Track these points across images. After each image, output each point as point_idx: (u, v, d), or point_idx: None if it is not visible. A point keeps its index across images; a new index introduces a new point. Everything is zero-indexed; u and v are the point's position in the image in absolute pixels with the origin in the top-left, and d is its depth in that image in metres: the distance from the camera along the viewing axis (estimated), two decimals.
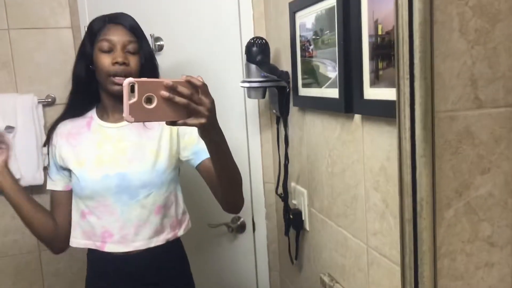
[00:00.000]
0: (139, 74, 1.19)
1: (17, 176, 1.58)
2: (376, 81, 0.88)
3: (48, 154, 1.28)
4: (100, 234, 1.20)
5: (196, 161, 1.20)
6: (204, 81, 0.90)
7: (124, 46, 1.17)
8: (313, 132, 1.23)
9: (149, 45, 1.24)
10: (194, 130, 1.11)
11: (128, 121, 0.81)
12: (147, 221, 1.19)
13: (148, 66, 1.22)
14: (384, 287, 0.95)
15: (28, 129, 1.64)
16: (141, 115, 0.81)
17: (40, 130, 1.66)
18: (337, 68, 1.02)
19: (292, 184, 1.42)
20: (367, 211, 0.98)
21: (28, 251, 1.73)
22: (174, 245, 1.26)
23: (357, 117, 0.99)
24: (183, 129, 1.21)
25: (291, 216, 1.36)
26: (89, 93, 1.26)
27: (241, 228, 1.66)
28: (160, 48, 1.62)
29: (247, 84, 1.35)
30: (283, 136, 1.40)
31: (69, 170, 1.23)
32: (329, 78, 1.07)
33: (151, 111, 0.82)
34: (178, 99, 0.84)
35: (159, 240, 1.21)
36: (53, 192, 1.28)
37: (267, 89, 1.41)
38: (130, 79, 0.80)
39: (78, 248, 1.24)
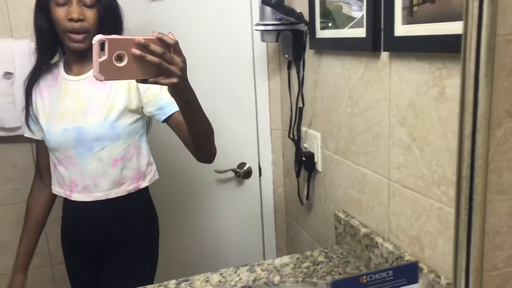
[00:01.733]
0: (99, 29, 1.16)
1: (17, 125, 1.55)
2: (409, 18, 0.90)
3: (28, 103, 1.29)
4: (68, 184, 1.24)
5: (161, 116, 1.18)
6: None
7: None
8: (331, 75, 1.25)
9: None
10: (154, 85, 1.11)
11: (98, 80, 0.78)
12: (104, 173, 1.22)
13: (109, 20, 1.18)
14: (406, 217, 1.01)
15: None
16: (111, 74, 0.79)
17: None
18: (364, 7, 1.03)
19: (303, 129, 1.45)
20: (391, 147, 1.03)
21: None
22: (138, 195, 1.29)
23: (384, 55, 1.01)
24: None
25: (303, 158, 1.40)
26: (53, 43, 1.24)
27: (248, 173, 1.69)
28: None
29: (262, 27, 1.34)
30: (297, 81, 1.42)
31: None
32: (354, 18, 1.09)
33: (122, 69, 0.79)
34: (149, 57, 0.81)
35: (120, 192, 1.24)
36: (36, 141, 1.34)
37: (280, 33, 1.41)
38: (100, 37, 0.76)
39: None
